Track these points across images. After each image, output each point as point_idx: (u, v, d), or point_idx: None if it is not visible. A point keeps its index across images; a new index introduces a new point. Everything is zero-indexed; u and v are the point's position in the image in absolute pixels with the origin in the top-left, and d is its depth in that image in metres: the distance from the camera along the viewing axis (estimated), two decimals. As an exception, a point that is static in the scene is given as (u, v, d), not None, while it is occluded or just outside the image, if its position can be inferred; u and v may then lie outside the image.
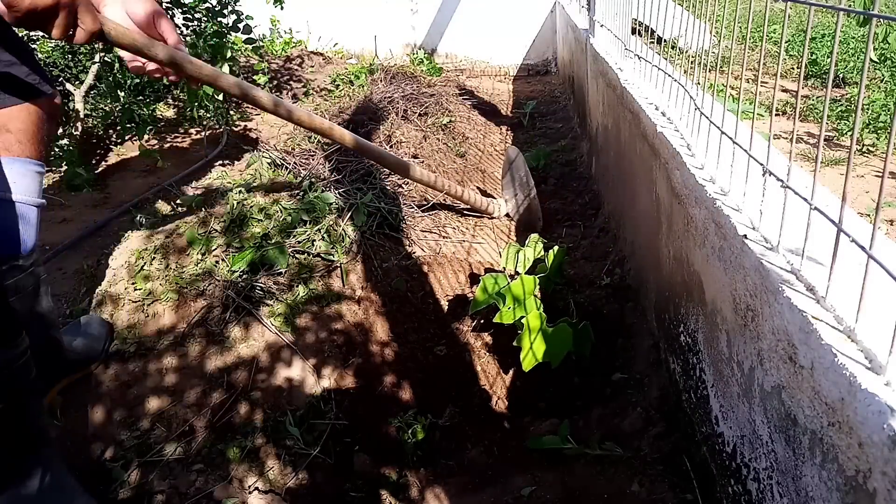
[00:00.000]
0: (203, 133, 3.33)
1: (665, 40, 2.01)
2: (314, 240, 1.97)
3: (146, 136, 3.11)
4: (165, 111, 3.77)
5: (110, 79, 3.08)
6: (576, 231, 2.54)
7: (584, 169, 3.13)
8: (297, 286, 1.83)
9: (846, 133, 3.40)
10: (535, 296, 1.79)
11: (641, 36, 2.12)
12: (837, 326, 0.77)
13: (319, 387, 1.60)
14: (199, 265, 1.88)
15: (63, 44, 3.11)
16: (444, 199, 2.60)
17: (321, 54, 5.15)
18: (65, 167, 2.73)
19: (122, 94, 3.11)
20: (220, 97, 3.23)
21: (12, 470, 1.12)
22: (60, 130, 2.85)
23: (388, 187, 2.55)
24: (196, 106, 3.13)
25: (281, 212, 2.02)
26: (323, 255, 1.94)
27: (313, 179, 2.32)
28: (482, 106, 4.25)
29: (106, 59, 3.01)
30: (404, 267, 2.11)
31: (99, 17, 1.18)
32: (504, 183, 2.68)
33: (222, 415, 1.51)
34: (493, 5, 5.44)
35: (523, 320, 1.65)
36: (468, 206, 2.56)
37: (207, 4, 2.98)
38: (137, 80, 3.20)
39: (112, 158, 3.05)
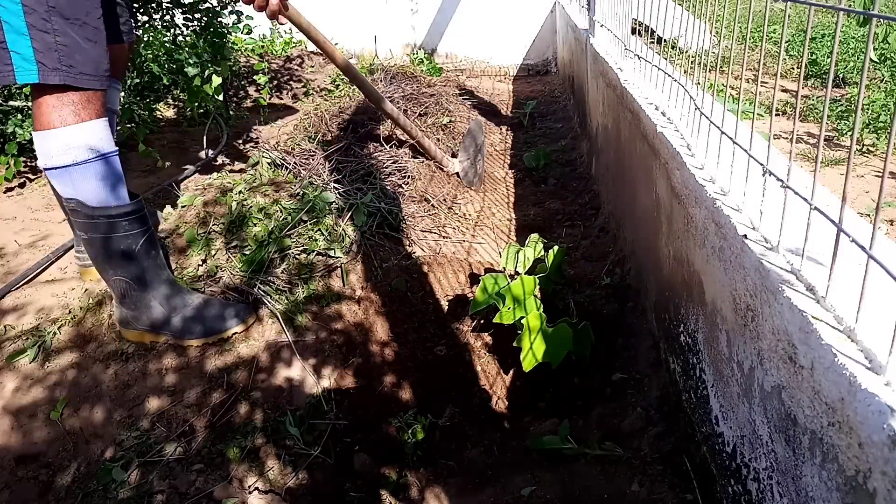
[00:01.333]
0: (203, 133, 3.33)
1: (665, 40, 2.01)
2: (314, 240, 1.97)
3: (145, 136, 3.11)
4: (165, 111, 3.77)
5: (110, 79, 3.07)
6: (576, 231, 2.54)
7: (584, 169, 3.13)
8: (297, 286, 1.83)
9: (846, 133, 3.40)
10: (535, 296, 1.79)
11: (641, 36, 2.12)
12: (837, 326, 0.77)
13: (319, 387, 1.61)
14: (200, 265, 1.88)
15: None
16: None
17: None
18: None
19: (123, 94, 3.11)
20: (220, 97, 3.23)
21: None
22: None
23: (388, 187, 2.55)
24: (196, 106, 3.13)
25: (281, 212, 2.03)
26: (323, 255, 1.94)
27: (313, 179, 2.32)
28: (482, 106, 4.25)
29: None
30: (404, 267, 2.11)
31: None
32: (462, 147, 2.98)
33: (222, 415, 1.51)
34: (493, 5, 5.44)
35: (523, 320, 1.65)
36: (426, 152, 2.91)
37: (208, 4, 2.98)
38: (137, 80, 3.20)
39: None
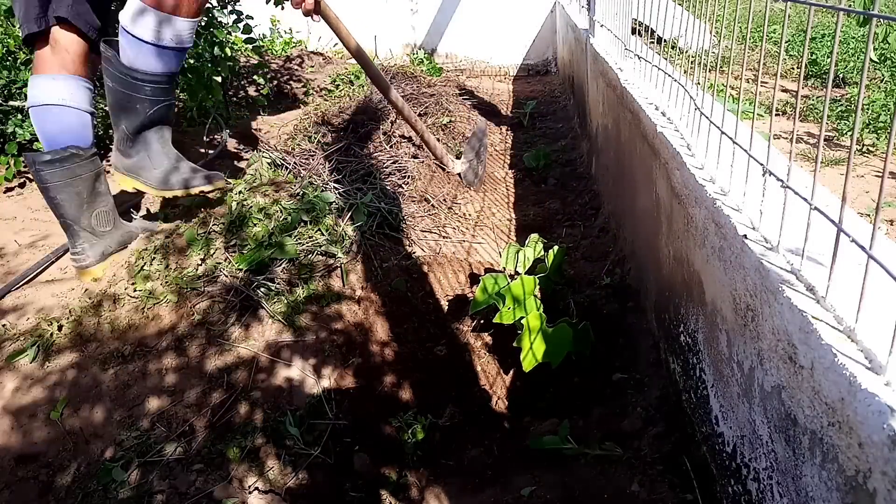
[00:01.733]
0: (203, 133, 3.33)
1: (665, 40, 2.01)
2: (314, 239, 1.97)
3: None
4: (165, 111, 3.76)
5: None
6: (576, 231, 2.54)
7: (584, 169, 3.13)
8: (297, 286, 1.83)
9: (846, 133, 3.40)
10: (535, 296, 1.79)
11: (641, 36, 2.12)
12: (837, 326, 0.77)
13: (319, 387, 1.61)
14: (199, 265, 1.88)
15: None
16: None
17: (321, 54, 5.14)
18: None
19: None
20: (221, 97, 3.22)
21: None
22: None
23: (388, 187, 2.55)
24: (196, 106, 3.13)
25: (281, 212, 2.03)
26: (323, 255, 1.94)
27: (313, 179, 2.32)
28: (482, 106, 4.25)
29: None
30: (404, 267, 2.11)
31: None
32: (466, 148, 3.01)
33: (222, 415, 1.51)
34: (493, 5, 5.44)
35: (523, 320, 1.65)
36: (429, 148, 2.90)
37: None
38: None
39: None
